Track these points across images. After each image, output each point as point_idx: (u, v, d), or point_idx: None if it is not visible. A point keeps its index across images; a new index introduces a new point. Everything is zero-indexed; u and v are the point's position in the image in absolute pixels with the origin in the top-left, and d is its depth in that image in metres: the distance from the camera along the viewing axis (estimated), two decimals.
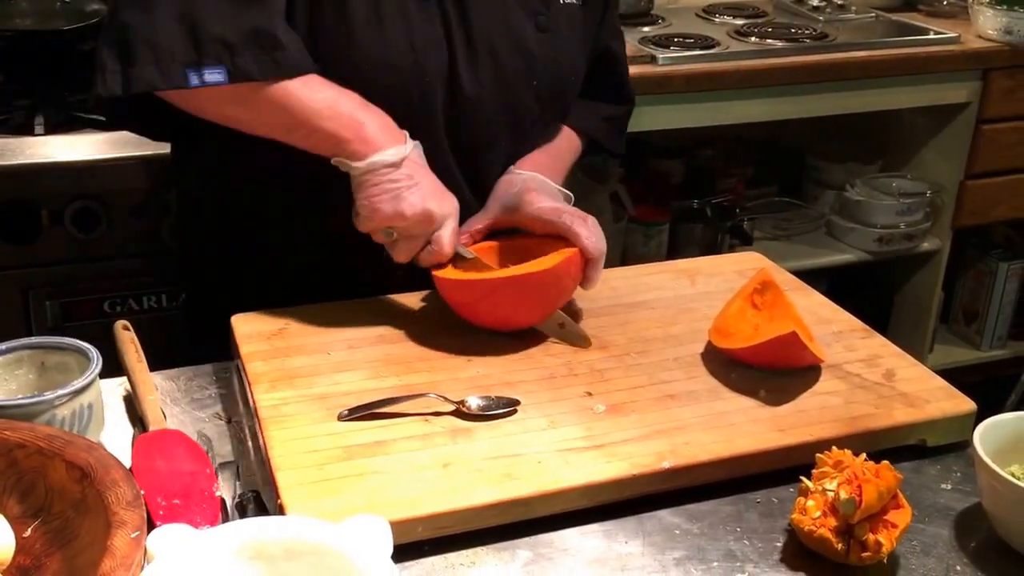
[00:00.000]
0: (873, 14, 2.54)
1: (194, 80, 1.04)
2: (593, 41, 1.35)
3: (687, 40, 2.21)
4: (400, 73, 1.14)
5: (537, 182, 1.22)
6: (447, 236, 1.10)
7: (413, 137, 1.12)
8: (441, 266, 1.13)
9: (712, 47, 2.18)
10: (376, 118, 1.09)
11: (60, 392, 0.93)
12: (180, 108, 1.11)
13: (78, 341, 1.00)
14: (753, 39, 2.27)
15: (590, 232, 1.13)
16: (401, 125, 1.12)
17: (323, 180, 1.11)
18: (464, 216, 1.20)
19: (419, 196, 1.08)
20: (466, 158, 1.23)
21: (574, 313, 1.17)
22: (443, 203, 1.10)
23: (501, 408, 0.99)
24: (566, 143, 1.35)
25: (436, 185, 1.11)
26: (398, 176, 1.08)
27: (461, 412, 0.98)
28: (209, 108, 1.11)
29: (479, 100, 1.20)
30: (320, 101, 1.07)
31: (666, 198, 2.45)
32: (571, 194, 1.26)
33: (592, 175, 2.26)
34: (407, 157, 1.09)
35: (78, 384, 0.94)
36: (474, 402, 0.99)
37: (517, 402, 1.00)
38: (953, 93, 2.35)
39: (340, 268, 1.21)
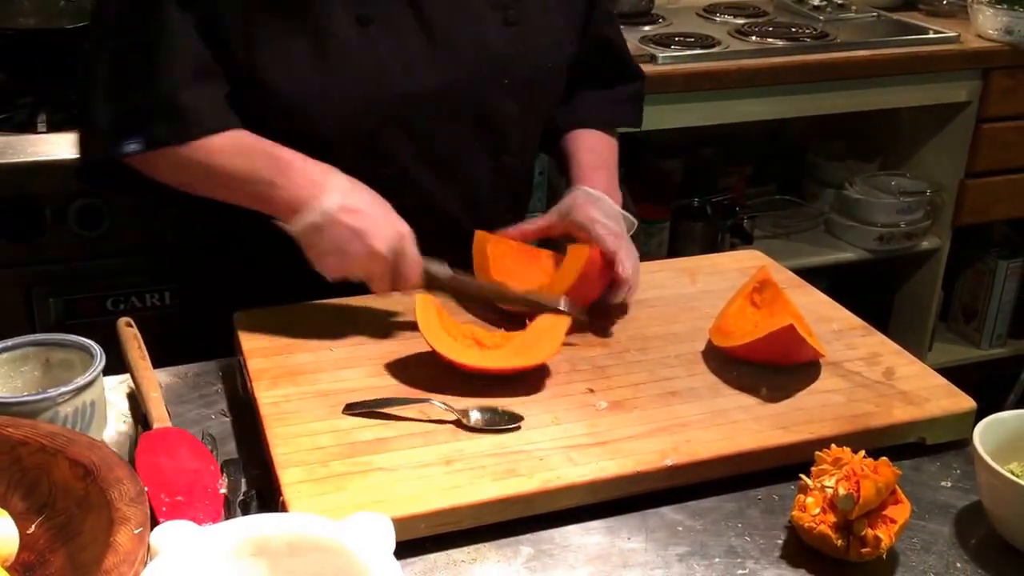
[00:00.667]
0: (873, 13, 2.54)
1: (122, 149, 1.11)
2: (584, 30, 1.33)
3: (687, 39, 2.22)
4: (351, 104, 1.13)
5: (605, 208, 1.22)
6: (409, 261, 1.10)
7: (375, 164, 1.14)
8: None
9: (712, 46, 2.18)
10: (291, 180, 1.08)
11: (63, 389, 0.93)
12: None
13: (82, 338, 1.00)
14: (754, 38, 2.27)
15: (629, 260, 1.16)
16: (360, 154, 1.14)
17: None
18: (454, 231, 1.20)
19: (359, 243, 1.06)
20: (444, 169, 1.21)
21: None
22: (387, 235, 1.08)
23: (504, 425, 0.97)
24: (608, 151, 1.34)
25: (374, 221, 1.08)
26: (332, 234, 1.07)
27: (461, 424, 0.97)
28: (158, 173, 1.16)
29: (446, 107, 1.18)
30: (239, 166, 1.10)
31: (666, 197, 2.45)
32: (635, 220, 1.26)
33: None
34: (333, 211, 1.06)
35: (81, 381, 0.94)
36: (475, 415, 0.98)
37: (520, 418, 0.98)
38: (953, 92, 2.35)
39: None
